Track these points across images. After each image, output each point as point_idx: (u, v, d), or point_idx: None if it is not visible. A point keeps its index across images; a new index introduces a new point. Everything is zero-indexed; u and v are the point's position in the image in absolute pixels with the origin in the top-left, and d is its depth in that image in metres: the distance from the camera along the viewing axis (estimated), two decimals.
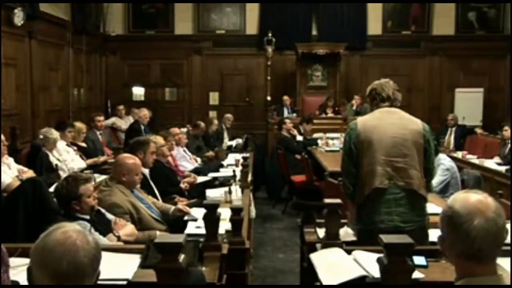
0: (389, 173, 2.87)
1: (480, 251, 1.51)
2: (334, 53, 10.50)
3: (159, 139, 4.92)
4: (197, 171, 5.89)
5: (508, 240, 2.77)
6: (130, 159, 3.65)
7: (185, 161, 6.52)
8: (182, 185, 4.91)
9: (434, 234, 2.58)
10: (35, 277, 1.46)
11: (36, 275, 1.46)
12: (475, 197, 1.58)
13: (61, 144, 6.13)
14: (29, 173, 4.95)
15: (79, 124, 6.82)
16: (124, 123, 9.43)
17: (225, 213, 2.97)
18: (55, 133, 5.86)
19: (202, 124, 8.47)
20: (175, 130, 6.66)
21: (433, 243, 2.57)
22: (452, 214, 1.56)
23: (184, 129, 8.06)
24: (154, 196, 4.02)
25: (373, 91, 3.09)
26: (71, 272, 1.42)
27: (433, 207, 3.64)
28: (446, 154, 5.82)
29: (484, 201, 1.57)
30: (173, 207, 3.78)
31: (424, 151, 2.95)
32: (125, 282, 2.28)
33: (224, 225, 3.03)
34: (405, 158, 2.89)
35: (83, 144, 6.75)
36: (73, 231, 1.49)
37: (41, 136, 5.87)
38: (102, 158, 6.68)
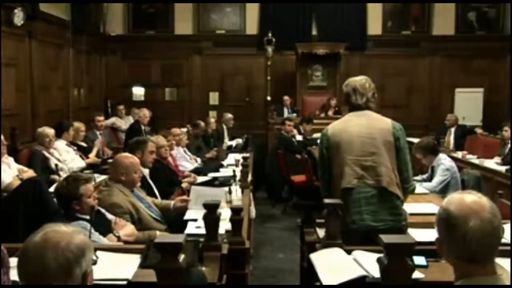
0: (357, 172, 2.88)
1: (476, 252, 1.50)
2: (334, 53, 10.49)
3: (161, 139, 4.93)
4: (197, 171, 5.89)
5: (508, 240, 2.78)
6: (127, 157, 3.67)
7: (185, 161, 6.52)
8: (183, 185, 4.91)
9: (434, 234, 2.57)
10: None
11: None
12: (470, 198, 1.56)
13: (61, 144, 6.13)
14: (29, 173, 4.95)
15: (77, 124, 6.82)
16: (124, 123, 9.43)
17: (225, 213, 2.97)
18: (47, 131, 5.84)
19: (202, 124, 8.48)
20: (175, 130, 6.67)
21: (433, 243, 2.56)
22: (447, 217, 1.55)
23: (184, 129, 8.06)
24: (154, 196, 4.03)
25: (351, 90, 3.04)
26: (38, 275, 1.40)
27: (433, 207, 3.65)
28: (446, 154, 5.82)
29: (479, 201, 1.55)
30: (173, 201, 3.86)
31: (396, 149, 2.94)
32: (125, 282, 2.28)
33: (224, 225, 3.02)
34: (373, 156, 2.89)
35: (83, 144, 6.75)
36: (55, 231, 1.46)
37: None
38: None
